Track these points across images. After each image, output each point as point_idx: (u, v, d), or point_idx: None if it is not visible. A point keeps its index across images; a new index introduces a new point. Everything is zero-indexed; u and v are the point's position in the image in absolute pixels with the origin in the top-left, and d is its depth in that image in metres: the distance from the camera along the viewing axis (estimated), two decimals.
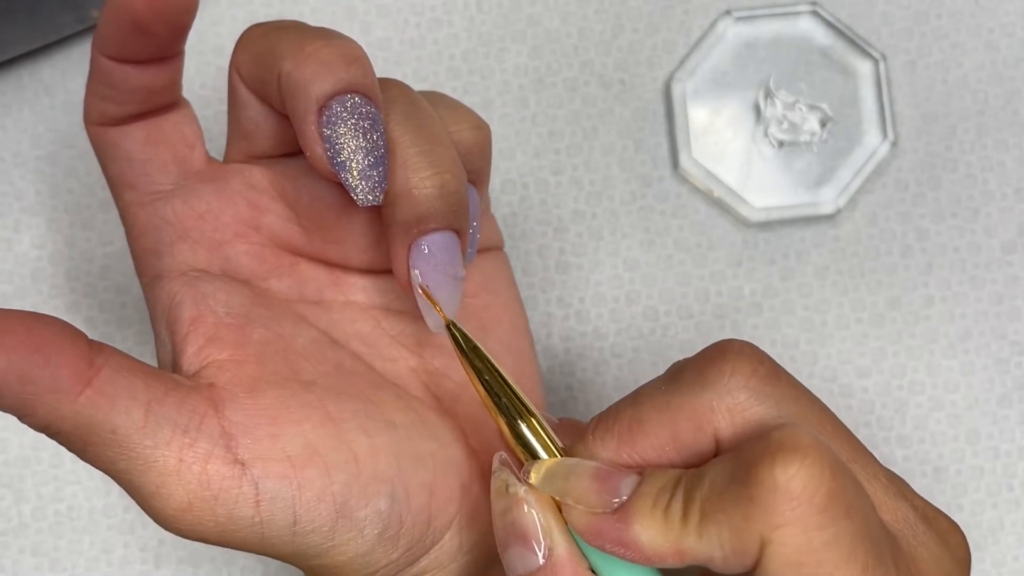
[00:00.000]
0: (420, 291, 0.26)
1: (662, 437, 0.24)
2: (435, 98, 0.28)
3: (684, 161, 0.40)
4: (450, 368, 0.30)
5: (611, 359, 0.39)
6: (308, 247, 0.29)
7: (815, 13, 0.40)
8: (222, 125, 0.39)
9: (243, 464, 0.25)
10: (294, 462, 0.25)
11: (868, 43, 0.40)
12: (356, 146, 0.25)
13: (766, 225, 0.40)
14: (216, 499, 0.25)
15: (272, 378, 0.27)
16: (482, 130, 0.28)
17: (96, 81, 0.27)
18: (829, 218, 0.40)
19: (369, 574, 0.27)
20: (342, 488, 0.26)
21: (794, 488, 0.22)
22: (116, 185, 0.28)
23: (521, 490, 0.25)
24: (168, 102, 0.28)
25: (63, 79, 0.39)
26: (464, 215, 0.26)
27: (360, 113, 0.25)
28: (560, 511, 0.24)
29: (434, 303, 0.26)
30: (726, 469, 0.23)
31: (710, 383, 0.24)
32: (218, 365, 0.26)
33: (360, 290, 0.30)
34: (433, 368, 0.30)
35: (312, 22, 0.40)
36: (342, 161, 0.25)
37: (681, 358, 0.26)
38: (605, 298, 0.40)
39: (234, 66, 0.27)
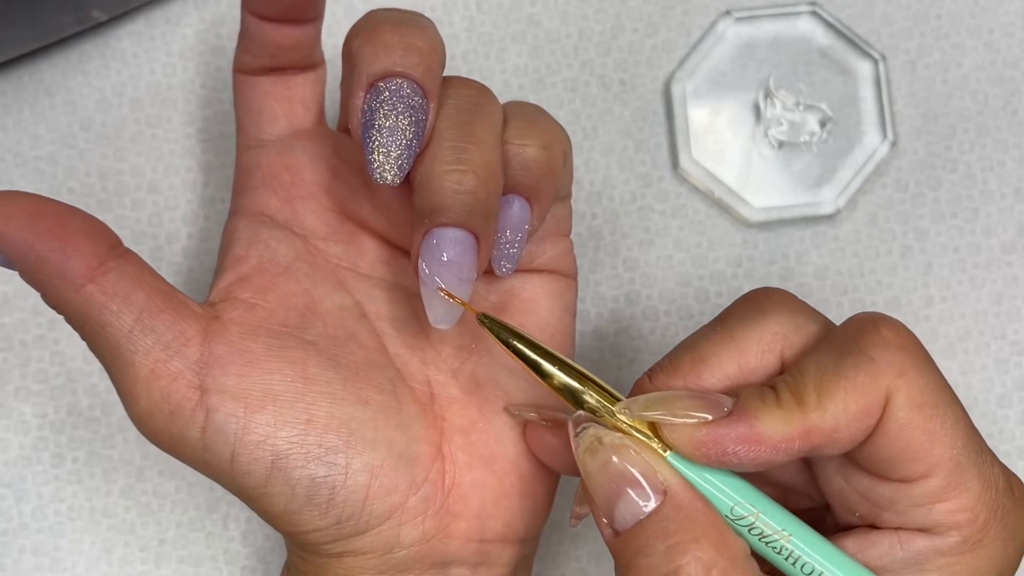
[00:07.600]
0: (425, 279, 0.26)
1: (729, 367, 0.26)
2: (518, 108, 0.29)
3: (684, 161, 0.40)
4: (461, 373, 0.30)
5: (611, 359, 0.39)
6: (373, 222, 0.31)
7: (815, 13, 0.40)
8: (222, 125, 0.39)
9: (203, 391, 0.27)
10: (248, 405, 0.27)
11: (868, 43, 0.40)
12: (382, 125, 0.26)
13: (766, 225, 0.40)
14: (172, 416, 0.27)
15: (274, 328, 0.28)
16: (549, 150, 0.28)
17: (240, 33, 0.30)
18: (829, 218, 0.40)
19: (300, 532, 0.28)
20: (284, 443, 0.27)
21: (903, 340, 0.25)
22: (237, 127, 0.32)
23: (617, 437, 0.26)
24: (300, 63, 0.31)
25: (63, 79, 0.39)
26: (483, 219, 0.26)
27: (400, 96, 0.26)
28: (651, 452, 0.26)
29: (452, 296, 0.26)
30: (827, 353, 0.25)
31: (770, 312, 0.27)
32: (232, 302, 0.29)
33: (410, 275, 0.31)
34: (446, 367, 0.30)
35: None
36: (367, 137, 0.26)
37: None
38: (605, 298, 0.40)
39: (344, 42, 0.29)
